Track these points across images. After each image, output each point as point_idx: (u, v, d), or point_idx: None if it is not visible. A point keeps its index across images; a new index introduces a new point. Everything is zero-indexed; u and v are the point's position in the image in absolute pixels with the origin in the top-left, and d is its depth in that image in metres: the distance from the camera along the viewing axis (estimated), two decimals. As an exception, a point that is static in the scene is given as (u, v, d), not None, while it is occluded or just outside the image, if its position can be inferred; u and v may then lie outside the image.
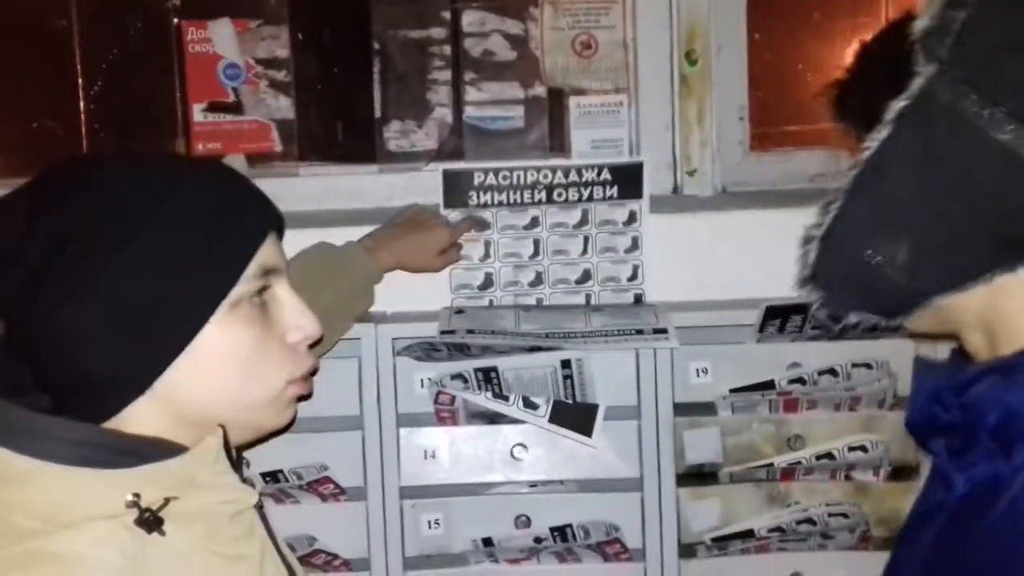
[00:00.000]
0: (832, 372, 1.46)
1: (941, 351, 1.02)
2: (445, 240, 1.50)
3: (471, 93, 1.73)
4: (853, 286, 0.86)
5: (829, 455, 1.46)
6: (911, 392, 0.93)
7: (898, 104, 0.79)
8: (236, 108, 1.71)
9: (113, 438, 0.86)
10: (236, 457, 0.94)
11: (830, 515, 1.47)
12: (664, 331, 1.42)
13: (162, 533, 0.83)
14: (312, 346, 1.37)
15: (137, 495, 0.83)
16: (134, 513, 0.83)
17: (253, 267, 0.90)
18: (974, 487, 0.81)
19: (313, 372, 0.99)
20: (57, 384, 0.87)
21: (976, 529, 0.79)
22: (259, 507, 0.95)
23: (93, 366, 0.85)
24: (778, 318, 1.43)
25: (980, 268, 0.80)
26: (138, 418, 0.88)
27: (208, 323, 0.88)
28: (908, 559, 0.88)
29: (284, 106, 1.72)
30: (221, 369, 0.89)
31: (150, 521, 0.83)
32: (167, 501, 0.84)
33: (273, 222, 0.95)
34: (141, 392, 0.88)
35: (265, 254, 0.92)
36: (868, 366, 1.46)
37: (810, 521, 1.47)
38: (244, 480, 0.93)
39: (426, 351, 1.45)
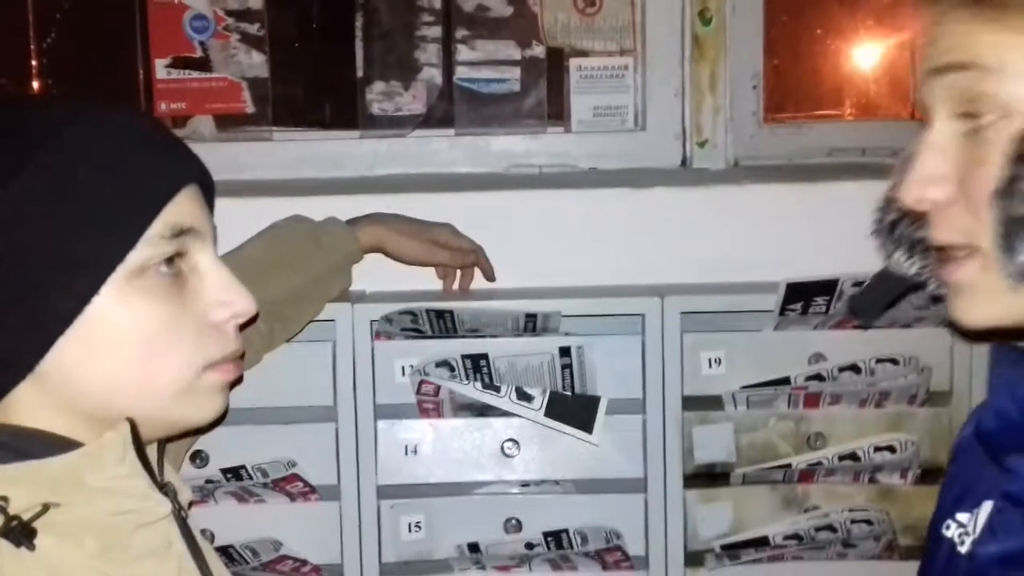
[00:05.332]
0: (854, 368, 1.34)
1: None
2: (444, 245, 1.35)
3: (463, 52, 1.64)
4: None
5: (853, 455, 1.36)
6: (988, 390, 0.78)
7: None
8: (203, 64, 1.61)
9: None
10: (159, 457, 0.82)
11: (853, 521, 1.38)
12: None
13: (31, 547, 0.71)
14: (277, 334, 1.26)
15: (4, 499, 0.70)
16: None
17: (159, 227, 0.77)
18: None
19: (241, 355, 0.86)
20: None
21: None
22: (182, 517, 0.82)
23: None
24: (801, 299, 1.32)
25: None
26: (23, 409, 0.76)
27: (99, 294, 0.75)
28: None
29: (257, 63, 1.63)
30: (119, 351, 0.77)
31: (17, 532, 0.70)
32: (45, 508, 0.72)
33: (192, 176, 0.82)
34: (22, 377, 0.75)
35: (178, 212, 0.79)
36: (894, 362, 1.35)
37: (830, 528, 1.38)
38: (163, 485, 0.80)
39: (405, 327, 1.34)
